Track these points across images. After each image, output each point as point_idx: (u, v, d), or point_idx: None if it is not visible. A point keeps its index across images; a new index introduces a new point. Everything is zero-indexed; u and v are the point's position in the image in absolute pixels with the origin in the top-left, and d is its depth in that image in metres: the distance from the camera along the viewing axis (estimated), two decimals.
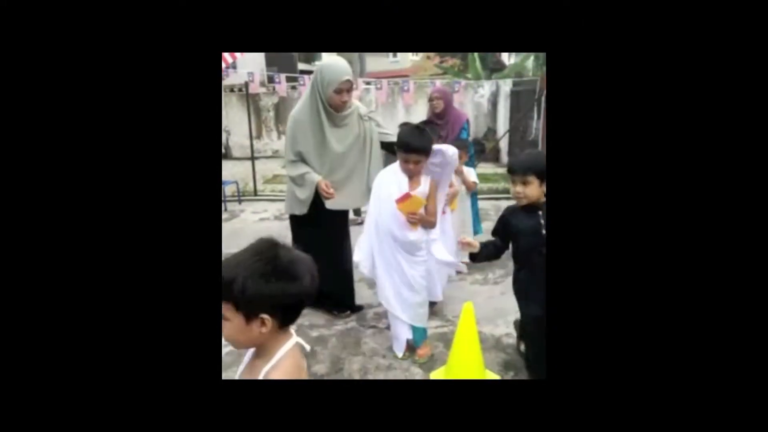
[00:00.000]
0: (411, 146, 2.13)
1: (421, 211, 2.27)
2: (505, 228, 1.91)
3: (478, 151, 5.33)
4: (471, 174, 3.29)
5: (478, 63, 12.00)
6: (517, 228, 1.83)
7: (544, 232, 1.73)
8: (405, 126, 2.25)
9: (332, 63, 2.56)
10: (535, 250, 1.76)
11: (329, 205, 2.62)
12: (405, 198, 2.18)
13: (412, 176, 2.23)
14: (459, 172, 3.12)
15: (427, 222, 2.32)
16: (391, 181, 2.26)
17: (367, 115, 2.76)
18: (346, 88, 2.51)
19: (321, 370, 2.37)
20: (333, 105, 2.54)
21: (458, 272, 3.21)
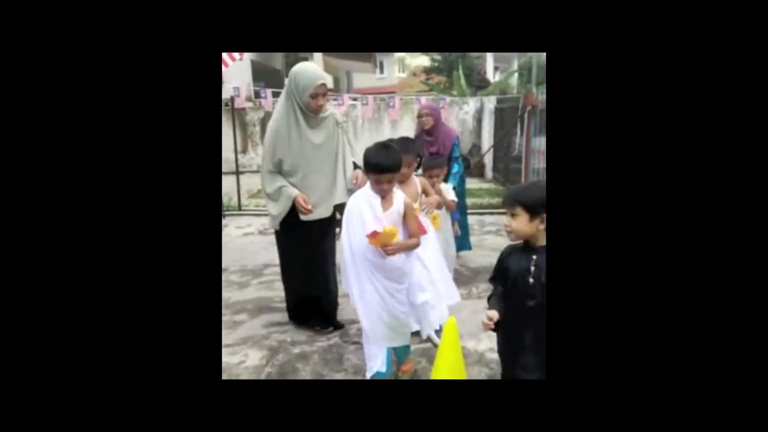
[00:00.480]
0: (382, 166, 2.02)
1: (399, 238, 2.11)
2: (501, 266, 1.67)
3: (464, 167, 5.38)
4: (449, 192, 3.08)
5: (462, 80, 12.18)
6: (508, 267, 1.61)
7: (531, 280, 1.49)
8: (370, 147, 2.12)
9: (306, 68, 2.61)
10: (521, 299, 1.52)
11: (304, 216, 2.61)
12: (374, 235, 2.01)
13: (385, 196, 2.12)
14: (437, 192, 3.02)
15: (408, 247, 2.16)
16: (362, 203, 2.13)
17: (341, 124, 2.79)
18: (322, 92, 2.56)
19: None
20: (310, 109, 2.58)
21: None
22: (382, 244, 2.04)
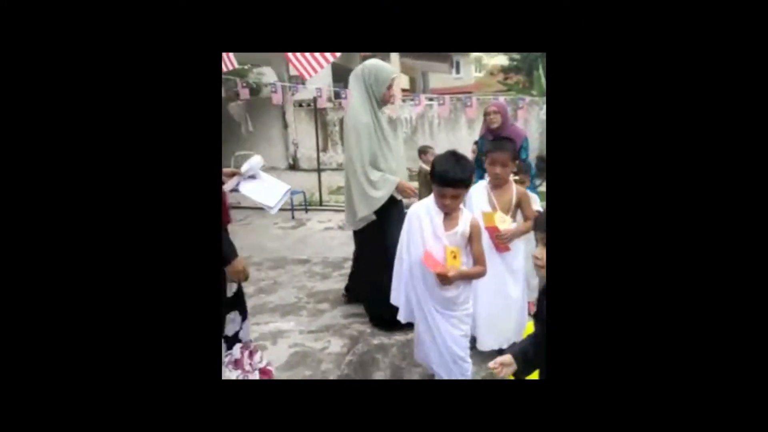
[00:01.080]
0: (447, 178, 1.76)
1: (464, 260, 1.85)
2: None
3: (540, 168, 5.26)
4: (535, 202, 2.65)
5: (543, 80, 11.79)
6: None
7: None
8: (440, 155, 1.90)
9: (379, 63, 2.84)
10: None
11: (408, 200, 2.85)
12: (428, 259, 1.78)
13: (449, 213, 1.86)
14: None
15: (469, 277, 1.88)
16: (423, 217, 1.88)
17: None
18: (394, 84, 2.83)
19: (382, 377, 2.45)
20: (384, 101, 2.83)
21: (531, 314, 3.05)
22: (438, 270, 1.77)
